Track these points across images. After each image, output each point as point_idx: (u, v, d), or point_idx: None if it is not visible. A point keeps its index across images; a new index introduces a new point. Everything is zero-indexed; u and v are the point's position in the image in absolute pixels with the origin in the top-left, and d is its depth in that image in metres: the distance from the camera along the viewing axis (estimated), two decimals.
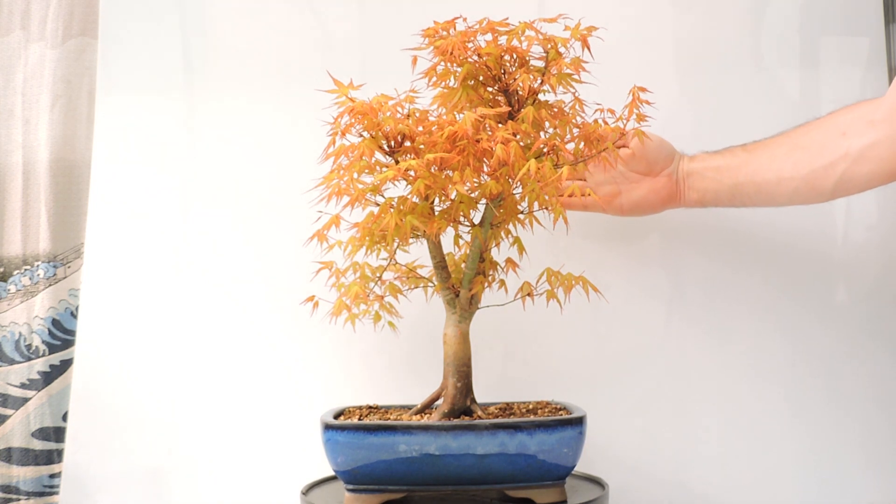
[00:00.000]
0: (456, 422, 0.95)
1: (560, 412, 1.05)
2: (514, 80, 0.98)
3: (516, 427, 0.93)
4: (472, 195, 0.99)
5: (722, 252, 1.33)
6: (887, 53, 1.33)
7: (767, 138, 1.13)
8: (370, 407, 1.11)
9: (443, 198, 1.01)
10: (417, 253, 1.10)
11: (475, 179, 0.96)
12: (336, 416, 1.04)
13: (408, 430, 0.94)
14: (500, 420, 0.95)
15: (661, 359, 1.32)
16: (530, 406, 1.08)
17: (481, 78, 1.02)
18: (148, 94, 1.37)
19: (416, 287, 1.10)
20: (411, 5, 1.31)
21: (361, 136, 0.98)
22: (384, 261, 1.05)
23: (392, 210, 0.97)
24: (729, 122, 1.34)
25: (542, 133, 1.02)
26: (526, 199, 1.00)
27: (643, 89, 1.01)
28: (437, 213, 1.01)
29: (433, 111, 1.03)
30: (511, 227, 1.06)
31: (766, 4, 1.35)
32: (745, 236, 1.33)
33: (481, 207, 1.03)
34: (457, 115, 1.00)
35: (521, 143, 0.97)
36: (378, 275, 1.05)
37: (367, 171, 0.98)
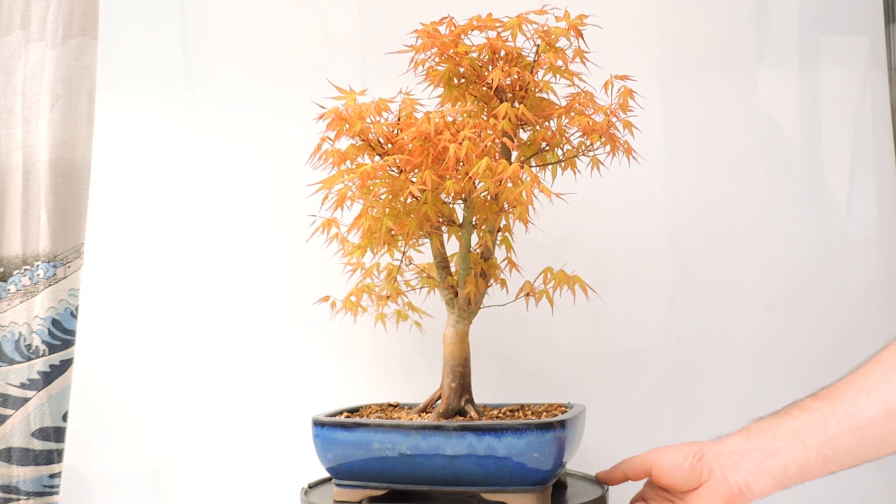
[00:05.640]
0: (424, 422, 0.95)
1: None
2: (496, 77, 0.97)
3: (483, 429, 0.92)
4: (447, 196, 0.98)
5: (722, 252, 1.33)
6: (887, 53, 1.33)
7: (838, 381, 0.92)
8: (390, 405, 1.12)
9: (407, 199, 0.99)
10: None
11: (440, 179, 0.95)
12: (352, 413, 1.06)
13: (380, 428, 0.94)
14: (466, 422, 0.94)
15: (661, 359, 1.32)
16: (542, 408, 1.07)
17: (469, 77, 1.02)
18: (148, 93, 1.37)
19: (423, 287, 1.11)
20: (411, 5, 1.31)
21: (350, 141, 0.99)
22: (396, 261, 1.06)
23: (371, 212, 0.98)
24: (729, 123, 1.34)
25: (537, 127, 1.01)
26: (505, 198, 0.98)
27: (624, 77, 1.00)
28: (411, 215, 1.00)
29: (419, 111, 1.02)
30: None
31: (766, 4, 1.35)
32: (745, 236, 1.34)
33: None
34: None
35: (496, 140, 0.95)
36: (393, 275, 1.06)
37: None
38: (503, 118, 0.95)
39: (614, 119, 0.99)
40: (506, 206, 0.96)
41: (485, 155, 0.93)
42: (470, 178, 0.93)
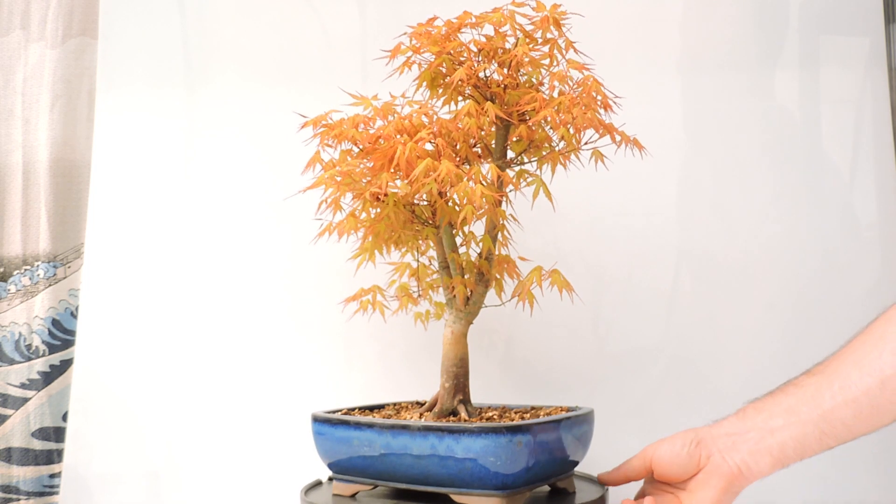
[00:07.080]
0: (393, 421, 0.96)
1: None
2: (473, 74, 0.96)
3: (443, 431, 0.92)
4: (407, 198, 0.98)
5: (722, 252, 1.33)
6: (887, 53, 1.33)
7: (831, 356, 0.92)
8: (418, 402, 1.13)
9: (370, 202, 1.00)
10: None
11: (393, 181, 0.95)
12: (372, 410, 1.09)
13: (358, 426, 0.96)
14: (429, 423, 0.94)
15: (661, 359, 1.32)
16: (545, 410, 1.07)
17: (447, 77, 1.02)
18: (148, 93, 1.37)
19: (440, 287, 1.11)
20: (411, 5, 1.31)
21: (346, 148, 1.00)
22: (416, 262, 1.08)
23: (359, 215, 0.99)
24: (729, 123, 1.34)
25: (531, 124, 1.01)
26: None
27: (582, 66, 0.98)
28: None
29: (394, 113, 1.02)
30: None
31: (766, 4, 1.35)
32: (745, 236, 1.33)
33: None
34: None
35: (469, 140, 0.95)
36: (419, 275, 1.08)
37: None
38: (466, 116, 0.95)
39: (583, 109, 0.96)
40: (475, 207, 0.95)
41: (443, 157, 0.92)
42: (417, 181, 0.92)
